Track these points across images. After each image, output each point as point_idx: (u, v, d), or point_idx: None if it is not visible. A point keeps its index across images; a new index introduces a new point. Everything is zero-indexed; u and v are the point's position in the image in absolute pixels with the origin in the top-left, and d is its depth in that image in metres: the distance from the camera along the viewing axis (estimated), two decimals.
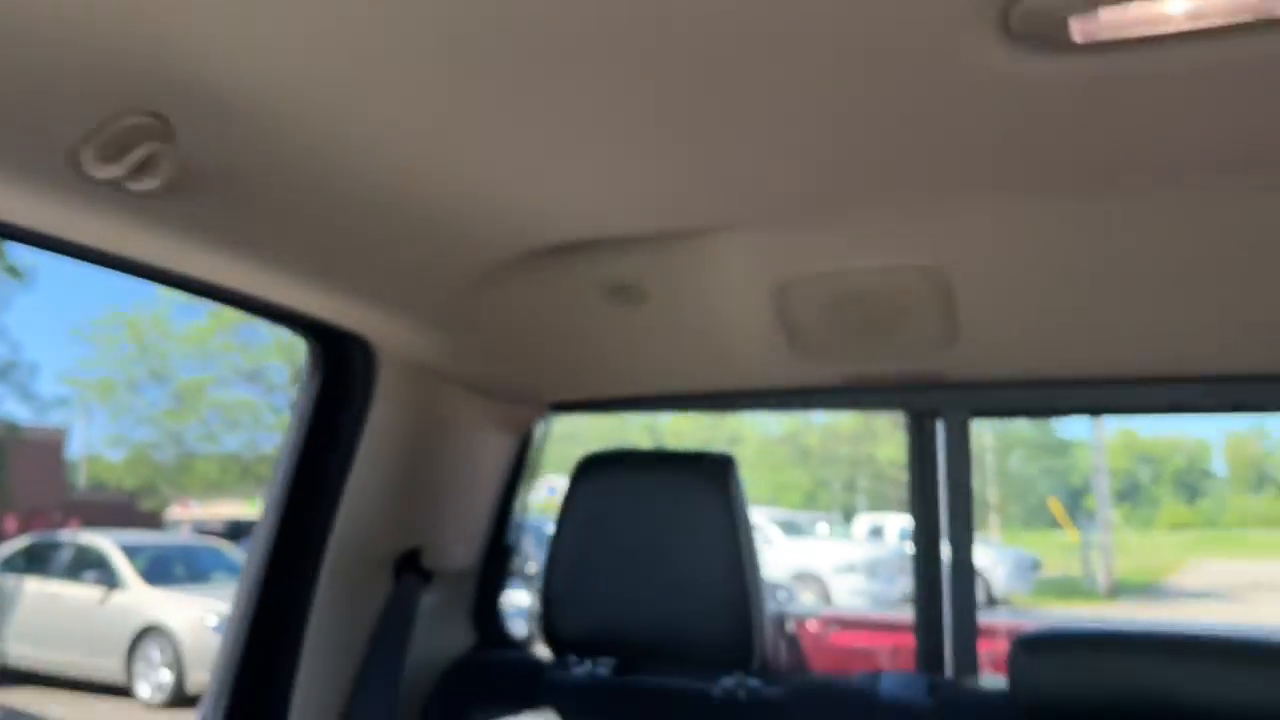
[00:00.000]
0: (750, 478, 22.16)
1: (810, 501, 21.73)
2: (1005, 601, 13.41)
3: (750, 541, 1.54)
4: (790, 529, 15.01)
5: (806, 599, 11.41)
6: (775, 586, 9.46)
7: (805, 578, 12.87)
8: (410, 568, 1.76)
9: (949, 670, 1.74)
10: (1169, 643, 1.37)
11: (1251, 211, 1.16)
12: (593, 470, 1.64)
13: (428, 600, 1.87)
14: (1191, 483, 24.10)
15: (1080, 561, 16.29)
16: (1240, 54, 0.83)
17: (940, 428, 1.73)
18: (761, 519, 14.38)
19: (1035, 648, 1.42)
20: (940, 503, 1.75)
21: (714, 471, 1.57)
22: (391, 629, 1.68)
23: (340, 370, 1.59)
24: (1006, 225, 1.24)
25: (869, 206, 1.20)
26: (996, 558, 13.90)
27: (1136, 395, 1.63)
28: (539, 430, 1.99)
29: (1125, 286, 1.30)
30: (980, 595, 13.68)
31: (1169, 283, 1.28)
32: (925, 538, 1.76)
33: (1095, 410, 1.72)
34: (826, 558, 13.25)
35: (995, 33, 0.81)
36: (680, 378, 1.76)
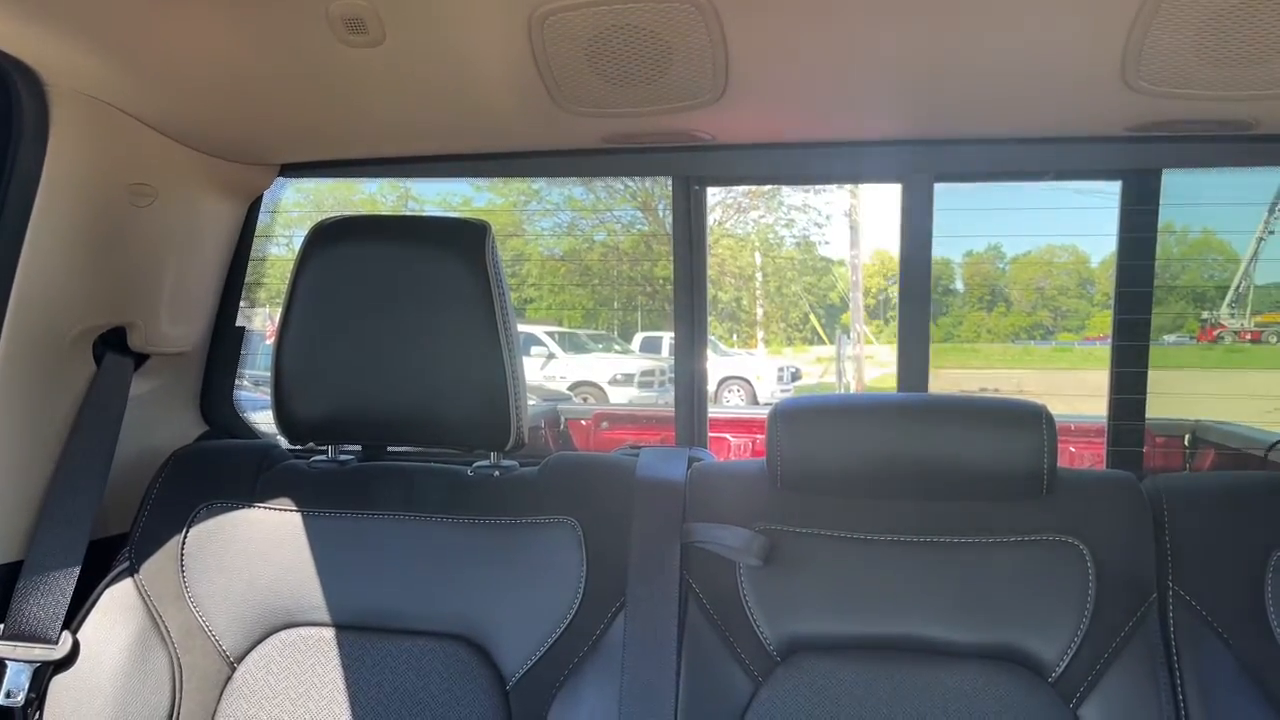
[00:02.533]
0: (533, 296, 22.14)
1: (591, 319, 22.07)
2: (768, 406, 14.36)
3: (507, 316, 1.43)
4: (571, 344, 15.24)
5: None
6: (557, 396, 9.61)
7: (584, 387, 13.29)
8: (114, 348, 1.54)
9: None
10: (902, 406, 1.42)
11: None
12: (329, 236, 1.46)
13: (144, 386, 1.67)
14: (936, 300, 26.41)
15: (836, 371, 17.63)
16: None
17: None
18: (543, 335, 14.53)
19: (789, 413, 1.44)
20: (705, 269, 1.72)
21: (468, 237, 1.44)
22: (95, 416, 1.47)
23: (2, 107, 1.30)
24: None
25: None
26: (762, 369, 14.79)
27: (886, 162, 1.62)
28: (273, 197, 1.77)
29: (890, 46, 1.23)
30: (745, 402, 14.48)
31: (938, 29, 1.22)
32: (689, 310, 1.72)
33: (860, 178, 1.71)
34: (604, 369, 13.68)
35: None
36: (427, 136, 1.58)
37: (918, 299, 1.71)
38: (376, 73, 1.32)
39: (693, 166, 1.65)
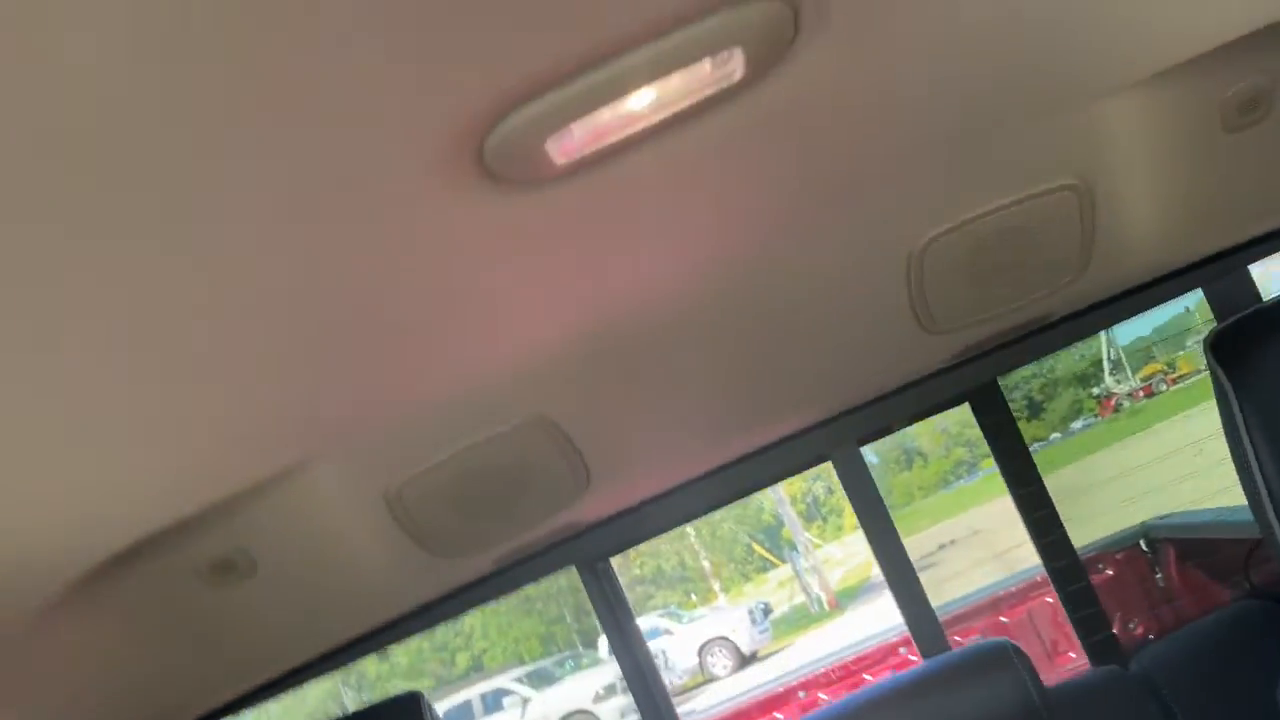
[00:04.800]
0: (485, 646, 21.26)
1: (549, 643, 21.28)
2: (755, 656, 13.86)
3: None
4: (541, 679, 14.54)
5: None
6: None
7: (576, 717, 12.60)
8: None
9: None
10: (878, 701, 1.38)
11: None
12: None
13: None
14: None
15: (800, 588, 17.32)
16: (709, 132, 0.82)
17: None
18: (510, 682, 13.80)
19: None
20: (638, 637, 1.68)
21: (404, 715, 1.37)
22: None
23: None
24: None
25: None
26: (733, 620, 14.37)
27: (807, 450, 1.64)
28: None
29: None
30: (732, 660, 13.78)
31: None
32: (638, 673, 1.67)
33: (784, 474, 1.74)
34: (584, 691, 13.00)
35: (473, 172, 0.74)
36: (314, 638, 1.52)
37: (895, 557, 1.69)
38: (254, 604, 1.29)
39: (591, 549, 1.64)
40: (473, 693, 13.35)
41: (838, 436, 1.63)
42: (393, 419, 1.11)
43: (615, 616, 1.66)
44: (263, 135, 0.59)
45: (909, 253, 1.20)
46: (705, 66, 0.75)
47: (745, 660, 13.79)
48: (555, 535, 1.55)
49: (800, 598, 17.11)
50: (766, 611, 15.28)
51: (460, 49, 0.62)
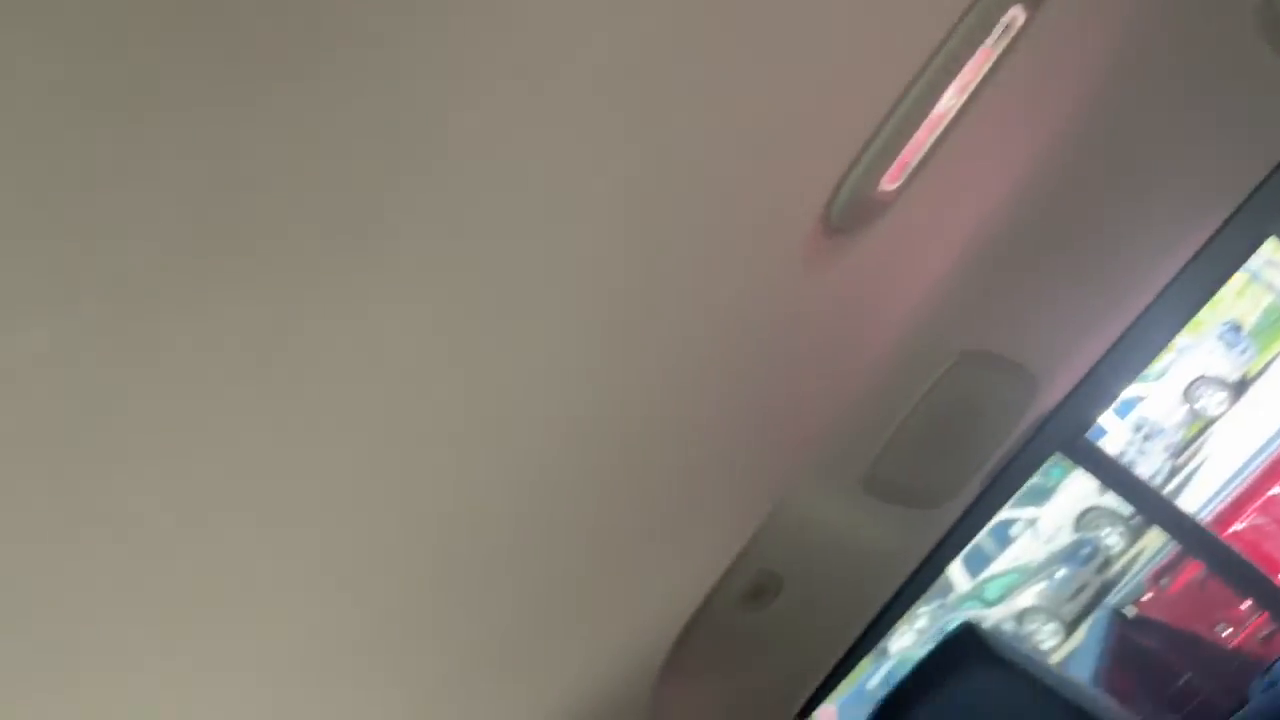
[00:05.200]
0: None
1: None
2: (1246, 379, 12.55)
3: None
4: (1036, 495, 14.10)
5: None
6: None
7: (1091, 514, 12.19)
8: None
9: None
10: None
11: None
12: None
13: None
14: None
15: (1264, 288, 15.33)
16: (1002, 92, 0.85)
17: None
18: (1007, 511, 13.56)
19: None
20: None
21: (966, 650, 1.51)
22: None
23: None
24: None
25: None
26: (1204, 354, 13.11)
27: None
28: None
29: None
30: (1224, 393, 12.04)
31: None
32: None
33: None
34: (1088, 487, 12.43)
35: (828, 236, 0.80)
36: (850, 625, 1.71)
37: None
38: (788, 617, 1.45)
39: (1067, 429, 1.63)
40: (979, 535, 13.26)
41: (1272, 207, 1.54)
42: (838, 422, 1.26)
43: (1126, 482, 1.73)
44: None
45: None
46: (991, 38, 0.78)
47: (1238, 387, 12.53)
48: (1028, 431, 1.62)
49: (1268, 298, 15.12)
50: (1236, 328, 13.72)
51: (798, 134, 0.72)
